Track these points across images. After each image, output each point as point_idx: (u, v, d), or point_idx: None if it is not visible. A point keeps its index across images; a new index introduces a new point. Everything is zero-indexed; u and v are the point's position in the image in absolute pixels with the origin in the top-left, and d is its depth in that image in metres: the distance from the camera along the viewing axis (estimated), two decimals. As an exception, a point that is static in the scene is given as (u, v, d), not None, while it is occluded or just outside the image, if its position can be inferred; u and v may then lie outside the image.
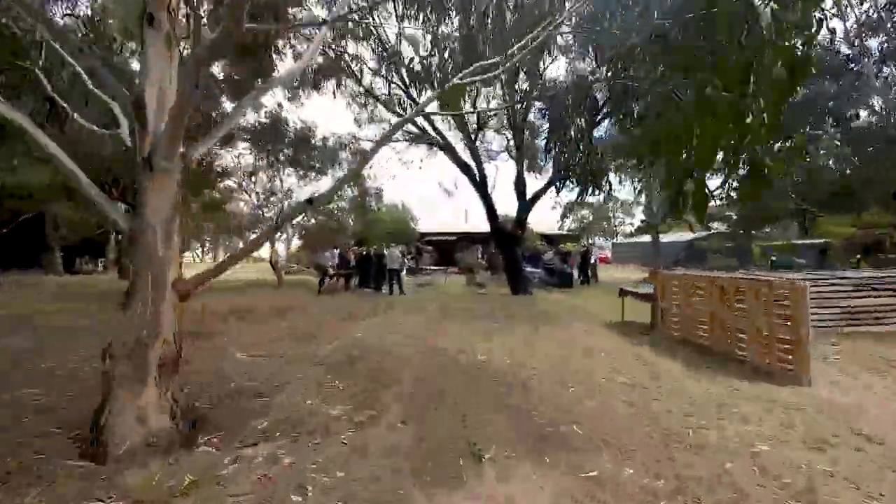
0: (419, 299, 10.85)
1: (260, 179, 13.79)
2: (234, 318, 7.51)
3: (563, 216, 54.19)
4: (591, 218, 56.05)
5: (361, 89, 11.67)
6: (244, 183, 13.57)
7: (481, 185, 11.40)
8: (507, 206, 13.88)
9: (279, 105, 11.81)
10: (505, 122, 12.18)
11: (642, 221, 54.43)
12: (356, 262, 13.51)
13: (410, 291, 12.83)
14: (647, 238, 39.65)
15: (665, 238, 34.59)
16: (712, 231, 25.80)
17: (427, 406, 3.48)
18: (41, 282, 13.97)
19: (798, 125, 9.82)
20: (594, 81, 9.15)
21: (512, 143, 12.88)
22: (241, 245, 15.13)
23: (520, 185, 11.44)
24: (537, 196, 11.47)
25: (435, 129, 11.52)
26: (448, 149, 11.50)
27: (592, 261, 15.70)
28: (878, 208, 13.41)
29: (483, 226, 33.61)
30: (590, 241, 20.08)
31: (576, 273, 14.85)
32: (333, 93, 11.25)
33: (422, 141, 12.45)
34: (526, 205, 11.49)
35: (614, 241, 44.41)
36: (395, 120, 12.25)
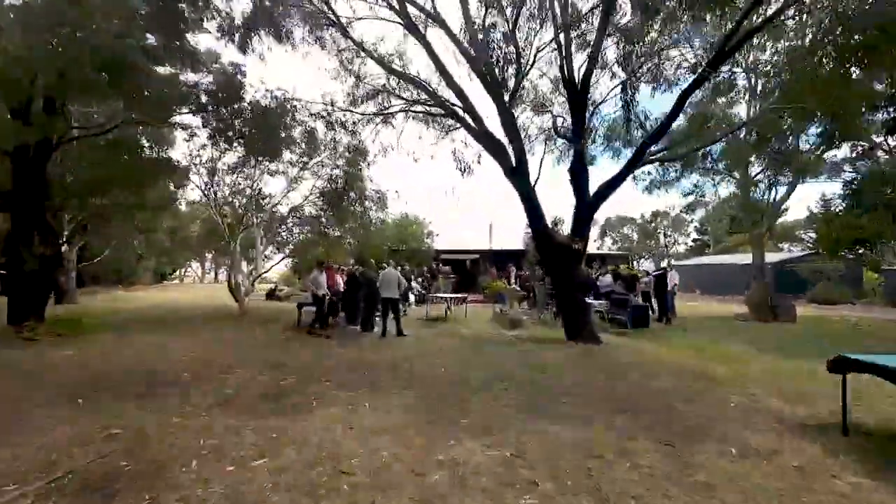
0: (423, 349, 6.78)
1: (221, 170, 10.36)
2: None
3: (603, 234, 49.22)
4: (635, 236, 50.39)
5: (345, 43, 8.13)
6: (200, 173, 10.15)
7: (519, 174, 7.39)
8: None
9: (234, 65, 8.39)
10: (554, 75, 8.21)
11: (695, 240, 48.44)
12: (345, 286, 9.71)
13: (415, 329, 8.80)
14: (698, 260, 34.05)
15: (721, 259, 29.03)
16: (807, 251, 20.52)
17: None
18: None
19: None
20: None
21: (555, 118, 8.90)
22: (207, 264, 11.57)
23: (579, 174, 7.36)
24: (608, 189, 7.32)
25: (455, 86, 7.70)
26: (473, 118, 7.62)
27: (670, 287, 11.19)
28: None
29: (511, 241, 29.47)
30: (666, 263, 15.37)
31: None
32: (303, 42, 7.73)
33: (434, 111, 8.66)
34: (589, 204, 7.35)
35: (665, 263, 39.12)
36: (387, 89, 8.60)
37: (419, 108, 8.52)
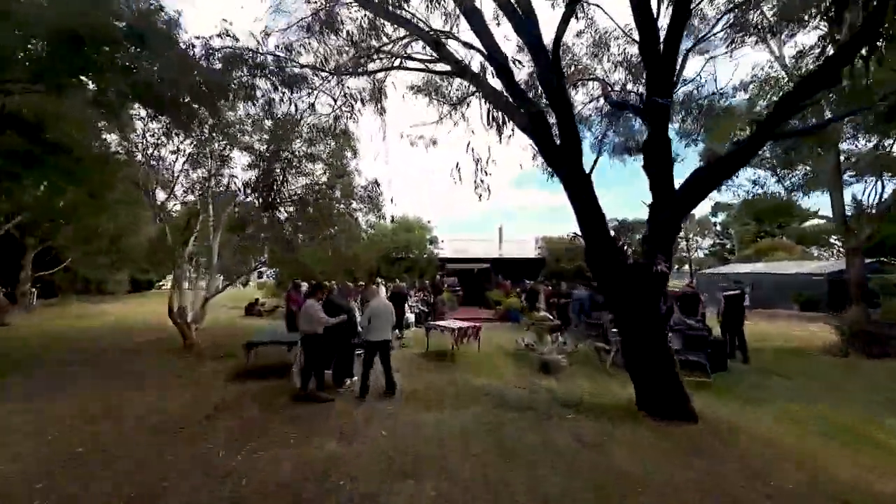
0: (416, 438, 4.14)
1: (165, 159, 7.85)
2: None
3: (627, 230, 46.51)
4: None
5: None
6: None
7: (567, 159, 4.73)
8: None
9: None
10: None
11: (713, 245, 45.10)
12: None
13: (409, 375, 6.16)
14: (733, 268, 30.93)
15: (757, 268, 25.97)
16: (880, 260, 17.58)
17: None
18: None
19: None
20: None
21: (605, 84, 6.33)
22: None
23: (661, 155, 4.68)
24: (714, 177, 4.60)
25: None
26: (499, 69, 4.92)
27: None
28: None
29: (522, 250, 26.47)
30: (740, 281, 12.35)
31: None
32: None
33: (438, 69, 6.00)
34: (679, 203, 4.64)
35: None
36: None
37: (414, 63, 5.87)
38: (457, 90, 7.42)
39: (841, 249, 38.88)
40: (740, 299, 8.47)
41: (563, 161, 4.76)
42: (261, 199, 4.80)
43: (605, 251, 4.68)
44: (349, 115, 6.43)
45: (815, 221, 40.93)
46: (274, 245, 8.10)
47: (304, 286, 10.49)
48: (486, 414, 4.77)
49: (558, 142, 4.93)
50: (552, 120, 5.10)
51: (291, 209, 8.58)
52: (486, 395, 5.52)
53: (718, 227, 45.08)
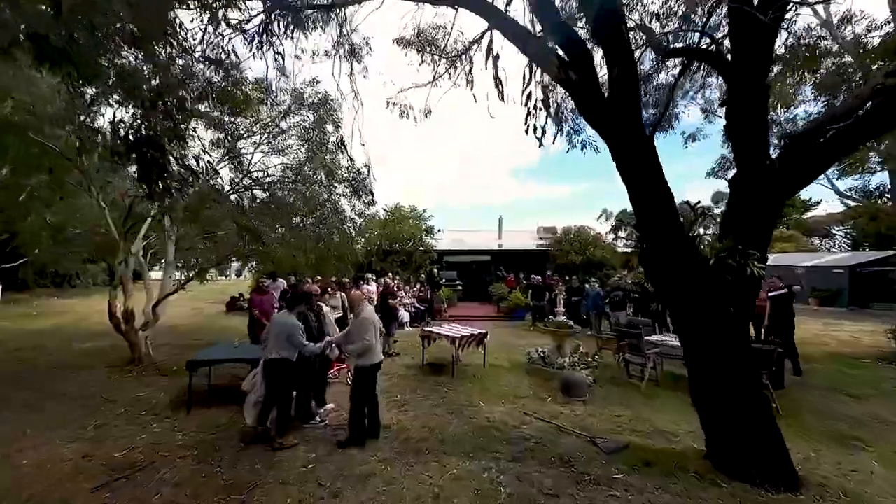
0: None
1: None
2: None
3: (616, 230, 44.94)
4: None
5: None
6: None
7: (625, 106, 3.28)
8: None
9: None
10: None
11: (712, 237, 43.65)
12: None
13: (403, 395, 4.77)
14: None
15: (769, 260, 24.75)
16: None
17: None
18: None
19: None
20: None
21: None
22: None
23: (750, 111, 3.27)
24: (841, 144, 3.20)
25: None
26: None
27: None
28: None
29: (522, 241, 24.87)
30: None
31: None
32: None
33: None
34: (780, 173, 3.22)
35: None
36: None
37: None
38: (455, 43, 5.91)
39: (846, 241, 37.88)
40: (789, 300, 7.14)
41: (615, 118, 3.30)
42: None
43: (672, 245, 3.26)
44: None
45: (818, 211, 39.86)
46: (237, 235, 6.59)
47: (281, 285, 9.05)
48: (504, 471, 3.40)
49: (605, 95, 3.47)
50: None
51: (259, 192, 7.08)
52: (499, 434, 4.16)
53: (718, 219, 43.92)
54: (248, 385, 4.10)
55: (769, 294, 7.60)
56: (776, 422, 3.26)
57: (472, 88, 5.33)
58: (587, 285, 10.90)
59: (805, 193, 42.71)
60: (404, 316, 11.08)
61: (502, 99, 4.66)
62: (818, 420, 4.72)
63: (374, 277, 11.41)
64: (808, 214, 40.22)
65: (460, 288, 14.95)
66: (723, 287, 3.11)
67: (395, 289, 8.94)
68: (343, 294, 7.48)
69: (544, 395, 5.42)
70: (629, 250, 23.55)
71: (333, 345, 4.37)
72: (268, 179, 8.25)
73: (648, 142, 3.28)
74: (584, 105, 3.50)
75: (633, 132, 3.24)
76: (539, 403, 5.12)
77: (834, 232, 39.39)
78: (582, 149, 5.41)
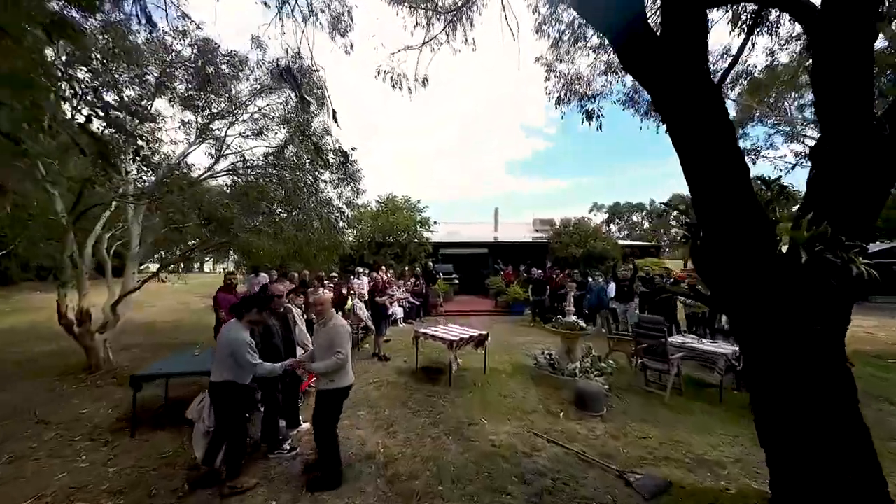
0: None
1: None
2: None
3: (609, 221, 44.27)
4: (645, 224, 45.03)
5: None
6: None
7: (684, 44, 2.37)
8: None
9: None
10: None
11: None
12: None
13: (391, 410, 3.83)
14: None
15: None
16: None
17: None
18: None
19: None
20: None
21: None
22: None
23: (850, 61, 2.40)
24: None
25: None
26: None
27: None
28: None
29: (519, 233, 23.88)
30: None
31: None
32: None
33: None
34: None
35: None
36: None
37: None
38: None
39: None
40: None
41: (671, 60, 2.39)
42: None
43: (745, 233, 2.38)
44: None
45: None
46: (201, 226, 5.61)
47: (263, 280, 8.11)
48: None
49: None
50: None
51: (231, 179, 6.11)
52: (507, 466, 3.32)
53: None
54: (194, 413, 3.20)
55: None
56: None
57: (474, 48, 4.36)
58: (590, 279, 10.09)
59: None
60: (398, 312, 10.21)
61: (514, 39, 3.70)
62: (879, 440, 3.93)
63: (367, 271, 10.50)
64: (796, 208, 39.81)
65: (457, 281, 14.09)
66: (819, 291, 2.24)
67: (386, 284, 8.02)
68: (326, 291, 6.56)
69: (555, 408, 4.59)
70: (629, 242, 22.83)
71: (295, 365, 3.44)
72: (243, 164, 7.25)
73: (716, 92, 2.37)
74: (622, 45, 2.57)
75: (695, 79, 2.33)
76: (550, 420, 4.28)
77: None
78: (589, 119, 4.52)
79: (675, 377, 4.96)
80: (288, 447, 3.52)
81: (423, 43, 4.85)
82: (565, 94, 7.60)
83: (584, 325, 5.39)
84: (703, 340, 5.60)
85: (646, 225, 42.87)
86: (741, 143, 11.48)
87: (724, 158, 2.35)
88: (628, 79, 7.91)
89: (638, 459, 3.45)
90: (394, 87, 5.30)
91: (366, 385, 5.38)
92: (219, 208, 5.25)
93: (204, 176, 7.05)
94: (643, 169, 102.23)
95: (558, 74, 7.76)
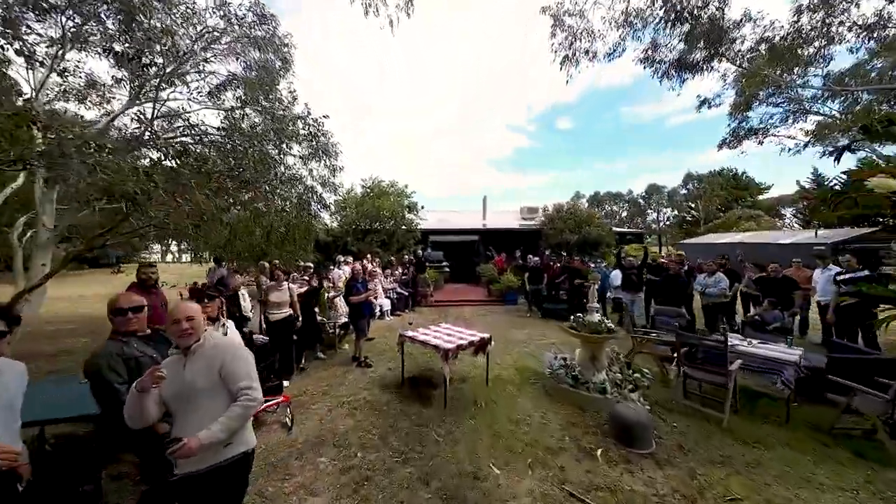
0: None
1: None
2: None
3: (591, 208, 43.63)
4: (623, 213, 44.15)
5: None
6: None
7: None
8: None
9: None
10: None
11: (675, 216, 42.23)
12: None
13: (363, 452, 2.44)
14: (728, 237, 28.44)
15: (740, 238, 23.32)
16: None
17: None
18: None
19: None
20: None
21: None
22: None
23: None
24: None
25: None
26: None
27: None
28: None
29: (507, 221, 22.48)
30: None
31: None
32: None
33: None
34: None
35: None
36: None
37: None
38: None
39: (794, 221, 37.46)
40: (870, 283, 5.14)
41: None
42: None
43: None
44: None
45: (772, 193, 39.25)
46: (110, 204, 3.97)
47: (223, 272, 6.49)
48: None
49: None
50: None
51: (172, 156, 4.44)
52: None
53: (684, 199, 42.81)
54: None
55: (838, 277, 5.64)
56: None
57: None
58: (593, 265, 8.78)
59: (759, 177, 42.12)
60: (384, 304, 8.73)
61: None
62: None
63: (349, 260, 8.94)
64: (761, 197, 39.73)
65: (447, 269, 12.65)
66: None
67: (369, 275, 6.50)
68: (291, 286, 5.01)
69: (588, 442, 3.24)
70: (622, 229, 21.74)
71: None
72: (183, 131, 5.52)
73: None
74: None
75: None
76: (586, 463, 2.93)
77: (783, 212, 39.18)
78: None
79: (733, 394, 3.67)
80: None
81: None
82: (573, 54, 6.09)
83: (612, 325, 4.05)
84: (752, 341, 4.33)
85: (623, 214, 42.21)
86: (747, 124, 10.23)
87: None
88: (647, 33, 6.46)
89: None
90: (366, 12, 3.68)
91: (337, 407, 3.93)
92: (129, 181, 3.60)
93: (132, 143, 5.29)
94: (617, 165, 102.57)
95: (566, 28, 6.23)
